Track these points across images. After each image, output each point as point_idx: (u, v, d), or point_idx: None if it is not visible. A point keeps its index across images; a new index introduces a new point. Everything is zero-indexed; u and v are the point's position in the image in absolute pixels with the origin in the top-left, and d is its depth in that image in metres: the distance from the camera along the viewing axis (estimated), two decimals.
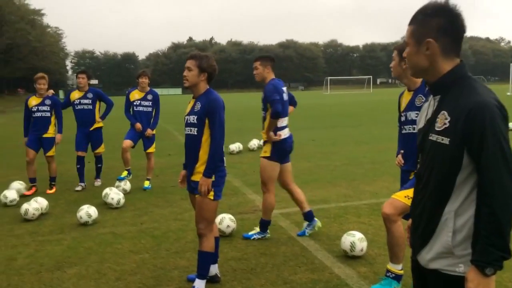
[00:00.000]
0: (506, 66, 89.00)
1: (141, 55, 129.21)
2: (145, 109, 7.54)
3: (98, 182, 7.90)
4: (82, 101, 7.62)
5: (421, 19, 1.82)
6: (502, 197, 1.66)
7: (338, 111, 26.78)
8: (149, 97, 7.57)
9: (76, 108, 7.64)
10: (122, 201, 6.37)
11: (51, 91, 7.68)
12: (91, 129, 7.73)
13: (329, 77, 75.24)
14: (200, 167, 3.62)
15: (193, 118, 3.63)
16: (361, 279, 3.92)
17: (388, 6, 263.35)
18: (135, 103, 7.54)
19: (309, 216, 5.01)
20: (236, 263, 4.32)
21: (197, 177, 3.64)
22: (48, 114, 7.37)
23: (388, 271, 3.65)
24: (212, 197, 3.61)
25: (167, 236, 5.13)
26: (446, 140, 1.75)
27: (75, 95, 7.71)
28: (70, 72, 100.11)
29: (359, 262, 4.26)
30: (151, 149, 7.74)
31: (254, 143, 11.61)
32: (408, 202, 3.35)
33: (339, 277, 3.95)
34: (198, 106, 3.62)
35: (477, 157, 1.70)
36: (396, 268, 3.62)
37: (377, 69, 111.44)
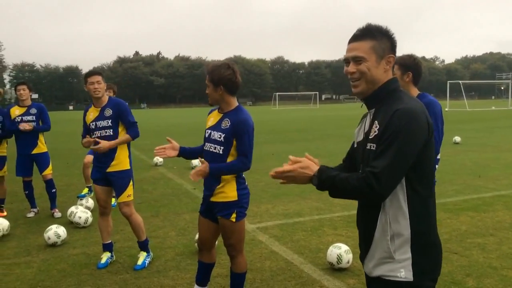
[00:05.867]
0: (441, 83, 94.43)
1: (85, 68, 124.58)
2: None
3: (57, 213, 6.71)
4: (24, 118, 6.53)
5: (380, 36, 1.88)
6: (359, 192, 1.75)
7: (291, 126, 27.18)
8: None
9: (18, 126, 6.49)
10: (90, 219, 6.07)
11: None
12: (34, 152, 6.66)
13: (277, 93, 76.41)
14: (222, 188, 3.33)
15: (219, 136, 3.30)
16: None
17: (329, 25, 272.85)
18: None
19: (109, 247, 4.80)
20: (224, 280, 4.22)
21: (217, 198, 3.36)
22: None
23: None
24: (234, 220, 3.36)
25: None
26: (373, 146, 1.82)
27: (16, 111, 6.59)
28: (8, 86, 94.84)
29: (346, 274, 4.29)
30: None
31: None
32: None
33: None
34: (227, 123, 3.29)
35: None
36: None
37: (322, 85, 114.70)
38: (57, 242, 5.22)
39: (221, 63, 3.36)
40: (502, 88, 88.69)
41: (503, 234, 5.30)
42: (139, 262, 4.61)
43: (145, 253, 4.70)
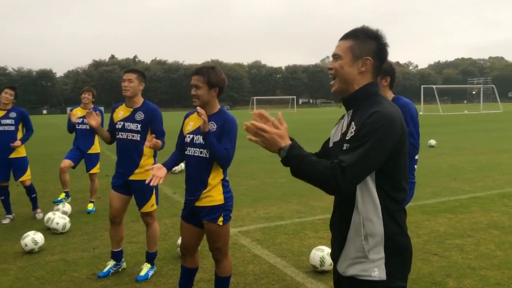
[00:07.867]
0: (415, 87, 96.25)
1: (59, 72, 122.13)
2: (87, 127, 7.10)
3: (39, 214, 6.70)
4: (3, 121, 6.44)
5: (362, 38, 1.92)
6: (324, 179, 1.73)
7: None
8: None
9: None
10: (68, 225, 5.94)
11: None
12: (12, 156, 6.55)
13: (255, 97, 76.61)
14: (208, 192, 3.31)
15: None
16: None
17: (306, 31, 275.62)
18: (77, 121, 7.10)
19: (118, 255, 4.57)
20: (207, 285, 4.19)
21: (203, 202, 3.32)
22: None
23: None
24: (221, 223, 3.34)
25: (125, 261, 4.84)
26: (348, 147, 1.84)
27: None
28: None
29: (329, 276, 4.31)
30: (94, 170, 7.38)
31: None
32: None
33: None
34: (213, 126, 3.28)
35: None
36: None
37: (299, 89, 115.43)
38: (34, 249, 5.09)
39: (213, 65, 3.36)
40: (474, 92, 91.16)
41: (480, 235, 5.43)
42: (142, 273, 4.38)
43: (149, 265, 4.47)
